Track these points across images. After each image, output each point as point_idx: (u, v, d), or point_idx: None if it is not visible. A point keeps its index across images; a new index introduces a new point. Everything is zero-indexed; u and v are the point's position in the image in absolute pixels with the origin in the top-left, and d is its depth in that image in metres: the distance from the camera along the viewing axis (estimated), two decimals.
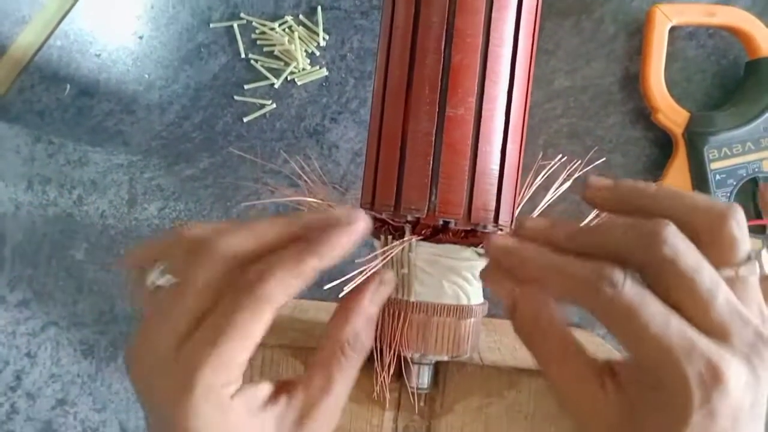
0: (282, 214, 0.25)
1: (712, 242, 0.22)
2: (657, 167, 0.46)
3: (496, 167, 0.29)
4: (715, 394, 0.20)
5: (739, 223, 0.22)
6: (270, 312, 0.22)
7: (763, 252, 0.23)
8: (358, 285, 0.26)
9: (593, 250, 0.23)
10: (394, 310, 0.30)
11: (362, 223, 0.24)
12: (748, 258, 0.22)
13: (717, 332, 0.21)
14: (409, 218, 0.29)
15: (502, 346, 0.37)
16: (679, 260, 0.21)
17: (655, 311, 0.21)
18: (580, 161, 0.39)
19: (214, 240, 0.23)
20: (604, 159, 0.45)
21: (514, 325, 0.25)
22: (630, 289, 0.21)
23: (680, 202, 0.23)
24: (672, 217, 0.22)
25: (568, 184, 0.38)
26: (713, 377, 0.20)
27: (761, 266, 0.22)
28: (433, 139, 0.28)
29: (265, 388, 0.24)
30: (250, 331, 0.22)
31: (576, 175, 0.39)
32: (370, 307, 0.26)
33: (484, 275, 0.26)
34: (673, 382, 0.20)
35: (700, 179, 0.43)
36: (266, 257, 0.23)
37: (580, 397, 0.23)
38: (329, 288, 0.28)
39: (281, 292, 0.22)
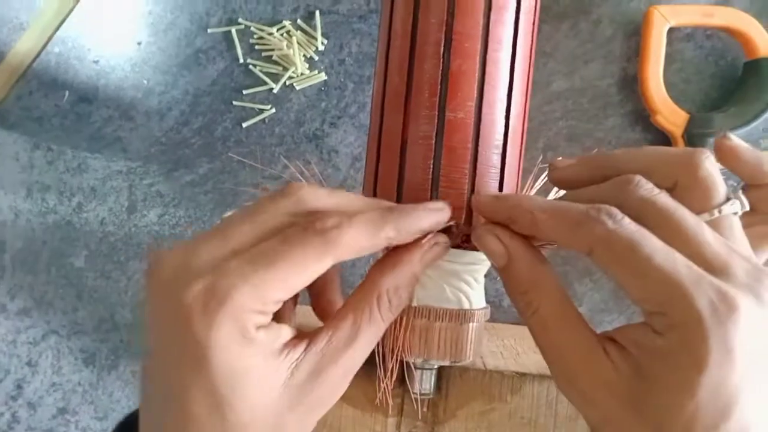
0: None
1: (689, 187, 0.21)
2: None
3: (496, 170, 0.29)
4: (731, 326, 0.18)
5: (712, 163, 0.22)
6: (330, 261, 0.21)
7: (740, 192, 0.22)
8: (412, 241, 0.24)
9: (555, 216, 0.22)
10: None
11: (447, 211, 0.24)
12: (728, 198, 0.22)
13: (716, 267, 0.19)
14: None
15: (505, 350, 0.37)
16: (657, 200, 0.21)
17: (657, 244, 0.20)
18: None
19: (302, 190, 0.22)
20: None
21: (509, 286, 0.24)
22: (630, 223, 0.20)
23: (649, 158, 0.22)
24: (643, 172, 0.22)
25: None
26: (726, 306, 0.18)
27: (742, 204, 0.22)
28: (433, 143, 0.28)
29: (286, 331, 0.22)
30: (303, 269, 0.20)
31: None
32: (418, 263, 0.24)
33: (476, 235, 0.25)
34: (685, 316, 0.18)
35: None
36: (349, 213, 0.22)
37: (584, 367, 0.21)
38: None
39: (350, 247, 0.21)
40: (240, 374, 0.20)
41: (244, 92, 0.47)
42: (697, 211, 0.21)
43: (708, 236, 0.20)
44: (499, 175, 0.29)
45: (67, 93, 0.48)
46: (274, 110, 0.47)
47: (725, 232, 0.21)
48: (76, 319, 0.48)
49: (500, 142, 0.29)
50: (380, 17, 0.32)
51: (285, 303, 0.23)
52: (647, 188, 0.21)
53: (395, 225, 0.22)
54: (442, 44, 0.28)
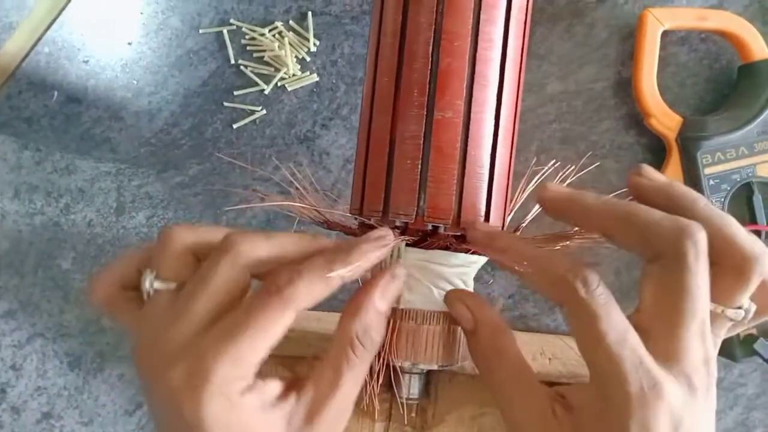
0: (304, 233, 0.25)
1: (728, 277, 0.23)
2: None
3: (485, 171, 0.29)
4: (653, 408, 0.21)
5: (762, 273, 0.23)
6: (292, 314, 0.23)
7: (753, 306, 0.24)
8: (368, 280, 0.26)
9: (620, 221, 0.24)
10: None
11: (391, 237, 0.26)
12: (740, 306, 0.24)
13: (670, 353, 0.22)
14: (398, 223, 0.28)
15: None
16: (693, 268, 0.22)
17: (616, 321, 0.22)
18: (573, 167, 0.39)
19: (240, 242, 0.24)
20: (597, 164, 0.45)
21: (472, 348, 0.26)
22: (601, 294, 0.22)
23: (725, 227, 0.23)
24: (709, 234, 0.23)
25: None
26: (654, 392, 0.21)
27: (746, 314, 0.24)
28: (422, 143, 0.28)
29: (275, 386, 0.24)
30: (271, 330, 0.22)
31: (568, 181, 0.39)
32: (380, 302, 0.26)
33: (449, 299, 0.28)
34: (616, 391, 0.21)
35: (693, 184, 0.42)
36: (297, 263, 0.24)
37: (533, 423, 0.23)
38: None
39: (307, 297, 0.23)
40: None
41: (235, 93, 0.47)
42: (713, 296, 0.23)
43: (694, 328, 0.22)
44: (488, 175, 0.29)
45: (56, 93, 0.47)
46: (265, 111, 0.47)
47: (714, 327, 0.23)
48: (62, 322, 0.47)
49: (490, 143, 0.29)
50: (371, 17, 0.32)
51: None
52: (697, 251, 0.22)
53: (342, 264, 0.24)
54: (431, 43, 0.28)
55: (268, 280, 0.23)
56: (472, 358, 0.27)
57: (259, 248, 0.24)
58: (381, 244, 0.25)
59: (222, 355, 0.21)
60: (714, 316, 0.23)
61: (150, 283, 0.24)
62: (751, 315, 0.24)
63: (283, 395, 0.24)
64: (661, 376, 0.21)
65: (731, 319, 0.24)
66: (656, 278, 0.23)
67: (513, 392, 0.24)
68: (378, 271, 0.26)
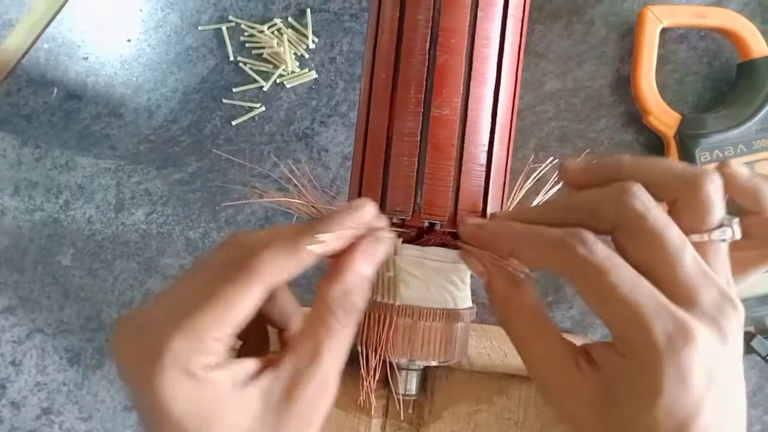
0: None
1: (687, 205, 0.22)
2: None
3: (482, 168, 0.29)
4: (685, 354, 0.20)
5: (716, 188, 0.22)
6: (259, 290, 0.21)
7: (735, 220, 0.23)
8: (352, 243, 0.24)
9: (565, 215, 0.23)
10: (379, 314, 0.29)
11: (369, 207, 0.24)
12: (721, 224, 0.22)
13: (684, 294, 0.21)
14: (395, 220, 0.28)
15: (492, 351, 0.37)
16: (648, 215, 0.21)
17: (625, 272, 0.21)
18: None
19: (238, 233, 0.23)
20: (595, 162, 0.45)
21: (492, 303, 0.25)
22: (601, 250, 0.21)
23: (655, 170, 0.23)
24: (647, 182, 0.22)
25: (558, 187, 0.38)
26: (682, 336, 0.20)
27: (733, 232, 0.22)
28: (418, 139, 0.28)
29: (249, 363, 0.22)
30: (232, 304, 0.21)
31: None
32: (362, 265, 0.24)
33: (462, 255, 0.27)
34: (642, 343, 0.20)
35: None
36: (265, 234, 0.22)
37: (555, 376, 0.22)
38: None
39: (275, 270, 0.21)
40: (207, 415, 0.20)
41: (234, 90, 0.47)
42: (688, 231, 0.22)
43: (687, 261, 0.21)
44: (485, 173, 0.29)
45: (56, 90, 0.47)
46: (264, 108, 0.47)
47: (710, 257, 0.22)
48: (61, 318, 0.47)
49: (486, 140, 0.29)
50: (368, 14, 0.32)
51: (254, 337, 0.25)
52: (642, 200, 0.22)
53: (313, 233, 0.22)
54: (428, 40, 0.28)
55: (232, 251, 0.22)
56: (493, 306, 0.26)
57: (257, 238, 0.23)
58: (357, 215, 0.24)
59: (177, 328, 0.20)
60: (703, 247, 0.22)
61: None
62: (738, 229, 0.22)
63: (259, 372, 0.22)
64: (687, 318, 0.20)
65: (722, 240, 0.22)
66: (625, 244, 0.22)
67: (533, 346, 0.23)
68: (362, 237, 0.24)
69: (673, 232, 0.21)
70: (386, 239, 0.25)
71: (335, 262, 0.24)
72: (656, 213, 0.21)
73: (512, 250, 0.24)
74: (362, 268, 0.24)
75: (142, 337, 0.21)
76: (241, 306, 0.21)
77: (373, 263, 0.24)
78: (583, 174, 0.26)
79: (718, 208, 0.22)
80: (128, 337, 0.21)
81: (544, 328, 0.24)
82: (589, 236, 0.21)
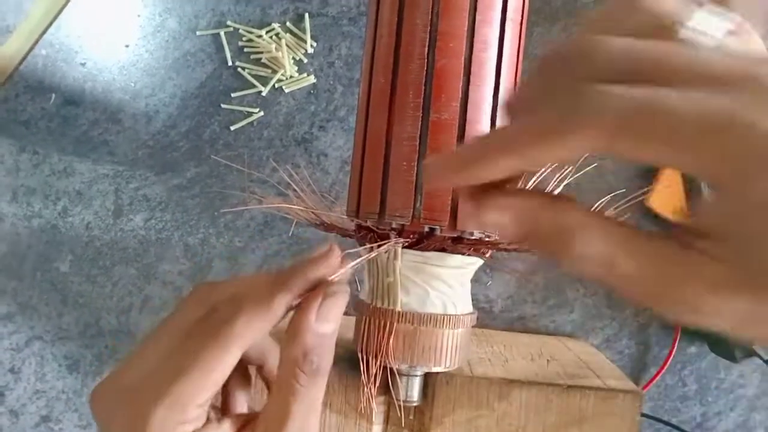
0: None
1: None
2: (649, 172, 0.46)
3: None
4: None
5: None
6: (237, 351, 0.22)
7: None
8: (303, 300, 0.23)
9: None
10: (379, 320, 0.29)
11: (335, 257, 0.23)
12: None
13: (738, 83, 0.13)
14: (394, 225, 0.28)
15: (493, 357, 0.36)
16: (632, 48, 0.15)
17: (673, 95, 0.13)
18: (570, 167, 0.39)
19: (202, 287, 0.24)
20: (595, 164, 0.45)
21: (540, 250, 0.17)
22: (627, 89, 0.14)
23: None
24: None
25: (558, 190, 0.38)
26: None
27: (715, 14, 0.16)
28: (418, 144, 0.28)
29: (226, 426, 0.23)
30: (213, 370, 0.21)
31: (566, 182, 0.38)
32: (318, 324, 0.23)
33: (477, 221, 0.21)
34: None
35: (692, 184, 0.42)
36: (238, 295, 0.23)
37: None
38: None
39: (249, 330, 0.22)
40: None
41: (233, 95, 0.47)
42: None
43: (702, 54, 0.14)
44: None
45: (53, 96, 0.47)
46: (262, 113, 0.47)
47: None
48: (60, 325, 0.47)
49: None
50: (367, 18, 0.32)
51: (231, 395, 0.25)
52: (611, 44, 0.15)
53: (285, 286, 0.22)
54: (427, 44, 0.28)
55: (206, 318, 0.22)
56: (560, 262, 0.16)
57: (222, 291, 0.23)
58: (325, 261, 0.23)
59: (160, 400, 0.21)
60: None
61: None
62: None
63: None
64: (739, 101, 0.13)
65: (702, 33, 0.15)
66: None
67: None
68: (316, 291, 0.23)
69: (668, 46, 0.14)
70: (337, 294, 0.23)
71: (292, 320, 0.23)
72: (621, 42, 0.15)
73: (503, 167, 0.16)
74: (319, 327, 0.23)
75: (125, 410, 0.21)
76: (220, 369, 0.21)
77: (332, 319, 0.23)
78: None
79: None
80: (111, 410, 0.22)
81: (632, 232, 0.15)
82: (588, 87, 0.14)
